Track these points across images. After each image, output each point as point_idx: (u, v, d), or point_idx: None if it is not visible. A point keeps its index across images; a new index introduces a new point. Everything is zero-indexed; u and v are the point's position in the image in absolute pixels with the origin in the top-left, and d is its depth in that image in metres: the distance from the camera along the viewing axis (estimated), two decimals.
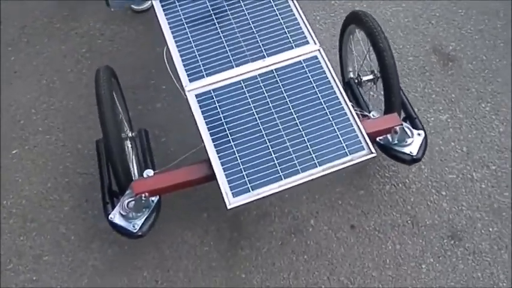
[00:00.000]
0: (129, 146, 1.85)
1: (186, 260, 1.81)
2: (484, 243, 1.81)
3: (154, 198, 1.58)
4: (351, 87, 1.98)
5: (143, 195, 1.53)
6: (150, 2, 2.50)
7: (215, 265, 1.78)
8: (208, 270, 1.76)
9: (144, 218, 1.56)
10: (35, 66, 2.39)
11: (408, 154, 1.68)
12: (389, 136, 1.69)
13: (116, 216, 1.56)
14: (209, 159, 1.53)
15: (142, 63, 2.39)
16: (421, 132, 1.73)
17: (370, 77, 1.91)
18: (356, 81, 1.97)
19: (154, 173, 1.62)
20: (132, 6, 2.54)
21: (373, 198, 1.92)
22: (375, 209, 1.90)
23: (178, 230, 1.87)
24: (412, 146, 1.69)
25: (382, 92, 1.79)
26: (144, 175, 1.61)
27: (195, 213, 1.90)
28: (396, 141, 1.69)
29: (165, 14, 1.76)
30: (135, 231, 1.54)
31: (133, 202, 1.56)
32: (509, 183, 1.95)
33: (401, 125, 1.66)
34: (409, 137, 1.69)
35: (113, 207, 1.59)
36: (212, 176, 1.52)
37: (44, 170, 2.05)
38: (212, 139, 1.55)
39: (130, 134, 1.85)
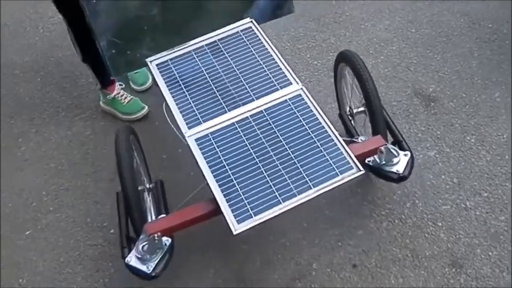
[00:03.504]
0: (148, 196, 2.00)
1: None
2: (485, 268, 1.83)
3: (167, 242, 1.68)
4: (342, 119, 2.20)
5: (155, 235, 1.63)
6: (149, 81, 2.74)
7: None
8: None
9: (158, 259, 1.65)
10: (43, 152, 2.55)
11: (395, 173, 1.78)
12: (376, 157, 1.79)
13: (132, 259, 1.66)
14: (213, 195, 1.65)
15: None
16: (407, 152, 1.83)
17: (362, 108, 2.05)
18: (349, 113, 2.17)
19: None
20: (133, 86, 2.77)
21: (371, 236, 1.98)
22: (375, 247, 1.95)
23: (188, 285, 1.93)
24: (399, 165, 1.79)
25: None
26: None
27: (203, 270, 1.97)
28: (384, 162, 1.79)
29: (162, 75, 1.97)
30: (149, 272, 1.63)
31: (147, 245, 1.66)
32: (503, 208, 2.00)
33: (386, 145, 1.77)
34: (395, 156, 1.79)
35: (130, 252, 1.70)
36: (217, 210, 1.64)
37: (56, 246, 2.14)
38: (214, 176, 1.69)
39: (148, 186, 2.02)
